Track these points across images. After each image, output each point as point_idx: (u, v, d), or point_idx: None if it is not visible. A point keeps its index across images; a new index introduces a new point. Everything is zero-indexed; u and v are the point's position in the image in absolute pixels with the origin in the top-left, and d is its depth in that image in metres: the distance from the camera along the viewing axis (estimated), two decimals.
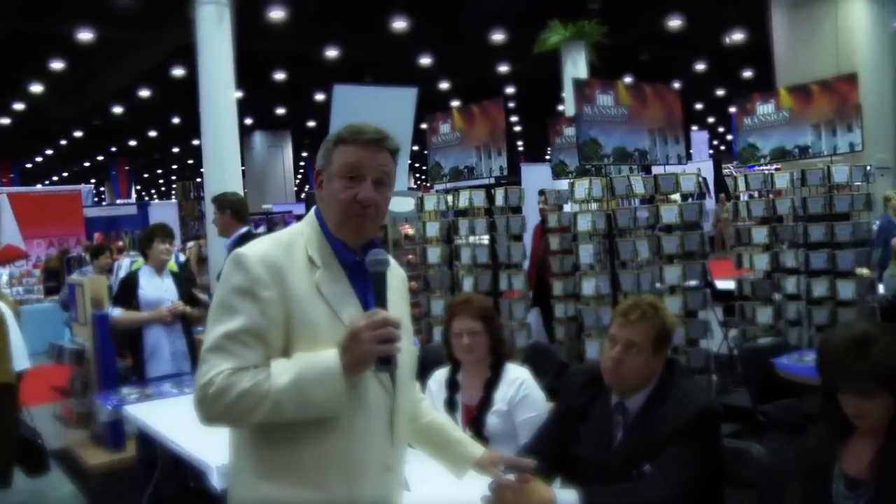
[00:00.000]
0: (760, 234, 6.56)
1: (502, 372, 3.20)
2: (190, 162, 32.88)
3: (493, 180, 6.90)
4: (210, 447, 3.16)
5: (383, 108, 8.57)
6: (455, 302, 3.37)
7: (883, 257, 7.33)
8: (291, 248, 1.82)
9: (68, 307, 6.95)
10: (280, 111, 24.03)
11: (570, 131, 8.11)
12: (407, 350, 1.91)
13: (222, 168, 9.79)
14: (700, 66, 20.13)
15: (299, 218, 2.27)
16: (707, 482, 2.38)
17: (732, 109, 18.37)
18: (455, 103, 19.88)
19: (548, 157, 11.76)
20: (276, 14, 13.06)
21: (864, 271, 6.01)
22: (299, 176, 33.51)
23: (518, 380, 3.16)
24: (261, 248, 1.80)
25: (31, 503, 5.27)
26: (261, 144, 27.59)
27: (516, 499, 2.17)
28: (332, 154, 1.86)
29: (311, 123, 25.87)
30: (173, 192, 21.47)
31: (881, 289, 6.87)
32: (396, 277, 2.01)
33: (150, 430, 3.84)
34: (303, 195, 30.08)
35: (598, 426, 2.54)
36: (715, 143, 32.93)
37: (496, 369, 3.21)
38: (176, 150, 30.10)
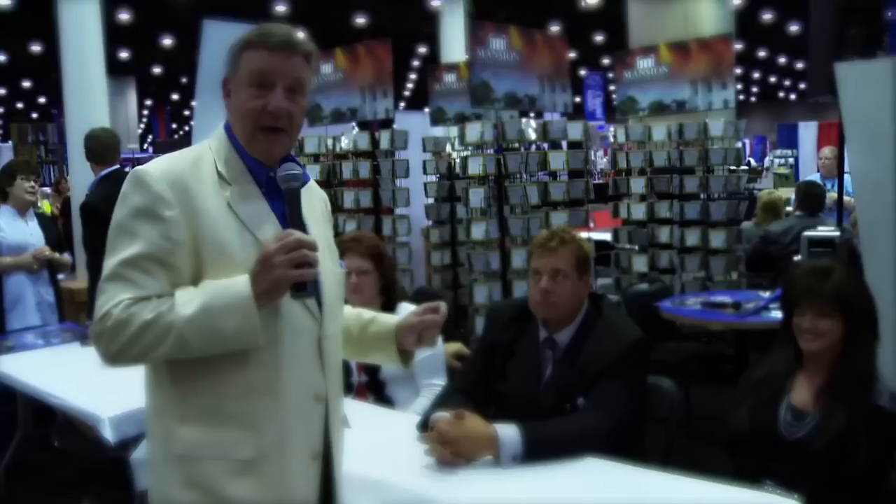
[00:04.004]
0: (638, 185, 6.74)
1: (395, 313, 3.08)
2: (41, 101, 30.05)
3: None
4: (95, 399, 2.91)
5: None
6: (343, 239, 3.20)
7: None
8: (199, 163, 1.64)
9: None
10: (123, 55, 22.40)
11: (449, 78, 8.05)
12: (332, 273, 1.77)
13: (87, 110, 8.72)
14: (554, 28, 20.38)
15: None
16: (635, 414, 2.39)
17: (583, 72, 18.78)
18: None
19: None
20: None
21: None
22: (142, 124, 31.71)
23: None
24: (163, 163, 1.62)
25: None
26: None
27: (455, 433, 2.09)
28: (238, 60, 1.66)
29: (157, 70, 24.45)
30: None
31: None
32: (317, 198, 1.86)
33: (16, 385, 3.47)
34: (147, 145, 28.56)
35: (527, 362, 2.50)
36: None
37: (388, 311, 3.09)
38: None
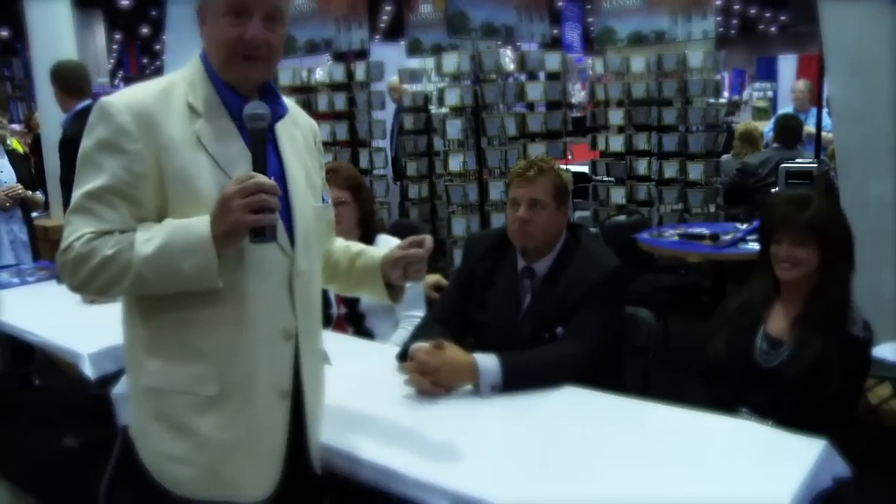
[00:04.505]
0: (616, 117, 6.70)
1: (374, 244, 3.06)
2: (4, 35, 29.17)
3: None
4: (74, 335, 2.89)
5: None
6: None
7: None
8: (169, 94, 1.59)
9: None
10: None
11: (425, 8, 7.88)
12: (311, 207, 1.74)
13: (53, 43, 8.45)
14: None
15: None
16: (613, 343, 2.41)
17: (560, 3, 18.45)
18: None
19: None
20: None
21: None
22: (112, 58, 30.90)
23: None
24: (129, 94, 1.58)
25: None
26: None
27: (435, 363, 2.10)
28: None
29: (125, 2, 23.76)
30: None
31: None
32: (305, 128, 1.81)
33: None
34: (117, 80, 27.85)
35: (505, 291, 2.50)
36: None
37: (366, 242, 3.06)
38: None
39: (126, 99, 1.56)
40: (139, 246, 1.49)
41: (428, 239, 1.82)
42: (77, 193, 1.54)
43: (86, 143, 1.56)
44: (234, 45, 1.58)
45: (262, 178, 1.48)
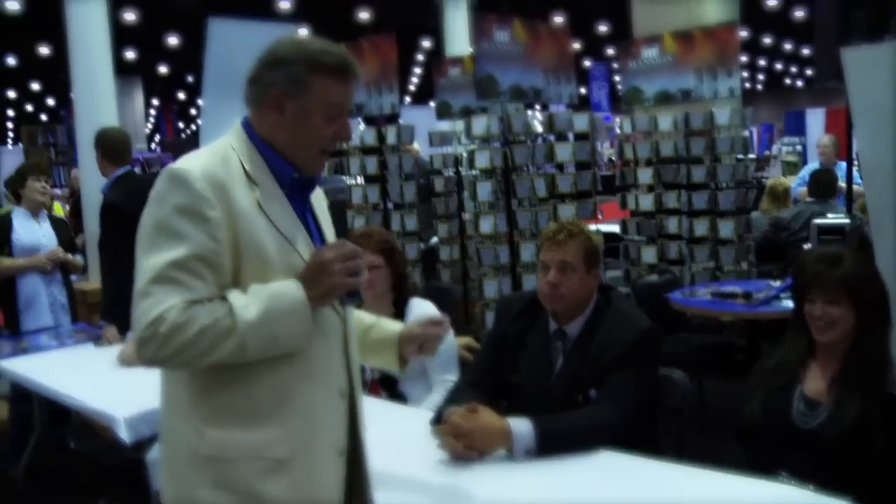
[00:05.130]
0: (645, 176, 6.72)
1: (406, 308, 3.09)
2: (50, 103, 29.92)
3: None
4: (110, 399, 2.93)
5: (263, 45, 8.09)
6: (354, 235, 3.21)
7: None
8: (228, 162, 1.63)
9: None
10: (130, 55, 22.40)
11: (454, 72, 8.04)
12: None
13: (96, 110, 8.67)
14: (558, 19, 20.21)
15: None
16: (647, 405, 2.39)
17: (588, 63, 18.66)
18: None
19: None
20: None
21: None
22: (149, 124, 31.62)
23: (424, 314, 3.06)
24: (199, 161, 1.60)
25: None
26: None
27: (469, 427, 2.10)
28: (308, 83, 1.63)
29: (163, 69, 24.44)
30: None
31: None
32: (322, 197, 1.88)
33: (32, 386, 3.50)
34: (154, 145, 28.47)
35: (538, 353, 2.50)
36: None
37: (399, 306, 3.09)
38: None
39: (198, 166, 1.58)
40: (240, 312, 1.52)
41: (446, 319, 1.99)
42: (156, 262, 1.52)
43: (158, 211, 1.56)
44: (327, 143, 1.69)
45: (354, 245, 1.63)
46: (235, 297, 1.54)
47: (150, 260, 1.53)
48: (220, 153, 1.65)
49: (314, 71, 1.63)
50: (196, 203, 1.53)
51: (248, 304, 1.53)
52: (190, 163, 1.60)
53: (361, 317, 2.04)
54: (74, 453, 4.63)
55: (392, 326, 2.02)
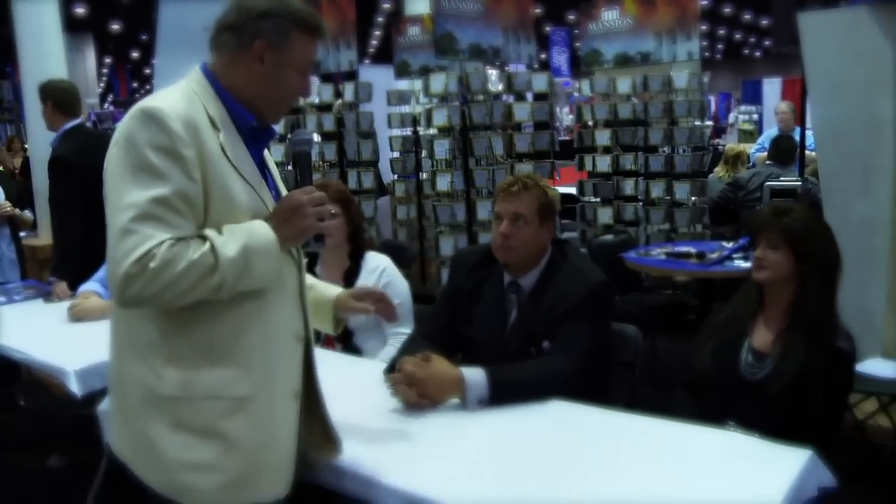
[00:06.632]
0: (603, 137, 6.75)
1: (362, 261, 3.08)
2: None
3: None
4: (60, 353, 2.87)
5: (218, 4, 7.89)
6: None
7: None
8: (194, 105, 1.63)
9: None
10: (80, 11, 21.66)
11: (413, 31, 7.96)
12: None
13: (44, 66, 8.34)
14: None
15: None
16: (600, 357, 2.41)
17: (548, 28, 18.61)
18: None
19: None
20: None
21: None
22: (102, 82, 30.81)
23: (379, 267, 3.05)
24: (169, 101, 1.59)
25: None
26: None
27: (422, 375, 2.10)
28: (290, 39, 1.67)
29: (116, 27, 23.77)
30: None
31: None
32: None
33: None
34: (107, 105, 27.75)
35: (492, 306, 2.50)
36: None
37: (355, 258, 3.08)
38: None
39: (170, 106, 1.56)
40: (221, 249, 1.53)
41: (387, 297, 2.11)
42: (138, 199, 1.50)
43: (134, 148, 1.53)
44: (295, 97, 1.79)
45: (321, 192, 1.68)
46: (214, 235, 1.56)
47: (129, 197, 1.51)
48: (185, 95, 1.64)
49: (297, 28, 1.68)
50: (173, 142, 1.53)
51: (226, 241, 1.55)
52: (162, 101, 1.58)
53: None
54: (24, 411, 4.54)
55: (329, 290, 2.13)
